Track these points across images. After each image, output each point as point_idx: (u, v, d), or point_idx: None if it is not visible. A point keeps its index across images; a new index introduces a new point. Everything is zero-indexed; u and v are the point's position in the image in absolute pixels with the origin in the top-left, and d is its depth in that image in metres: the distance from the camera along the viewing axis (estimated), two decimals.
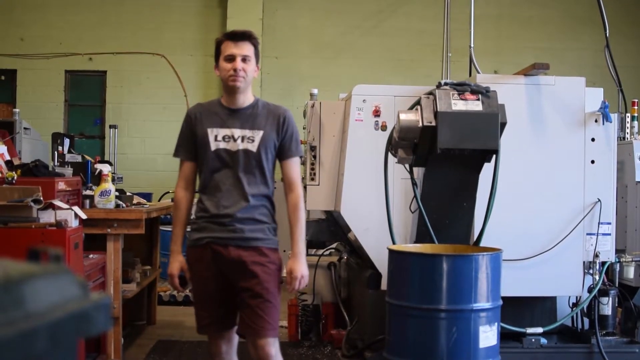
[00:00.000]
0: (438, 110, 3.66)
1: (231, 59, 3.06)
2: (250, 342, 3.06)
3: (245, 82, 3.08)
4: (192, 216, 3.26)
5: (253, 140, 3.07)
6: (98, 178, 4.75)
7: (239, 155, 3.06)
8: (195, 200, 3.25)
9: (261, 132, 3.08)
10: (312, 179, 5.21)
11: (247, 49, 3.09)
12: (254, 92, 3.25)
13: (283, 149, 3.13)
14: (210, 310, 3.14)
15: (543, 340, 4.39)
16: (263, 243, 3.08)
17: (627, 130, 5.55)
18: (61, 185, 4.06)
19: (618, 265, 4.58)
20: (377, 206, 4.57)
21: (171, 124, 9.31)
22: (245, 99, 3.12)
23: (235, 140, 3.07)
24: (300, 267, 3.08)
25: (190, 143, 3.14)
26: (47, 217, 3.73)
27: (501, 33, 9.38)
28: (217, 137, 3.08)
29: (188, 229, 3.31)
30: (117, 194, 4.77)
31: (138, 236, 5.09)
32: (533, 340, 4.36)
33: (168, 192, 8.55)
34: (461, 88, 3.74)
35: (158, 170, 8.85)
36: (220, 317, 3.13)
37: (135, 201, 5.21)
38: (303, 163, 5.50)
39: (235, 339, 3.20)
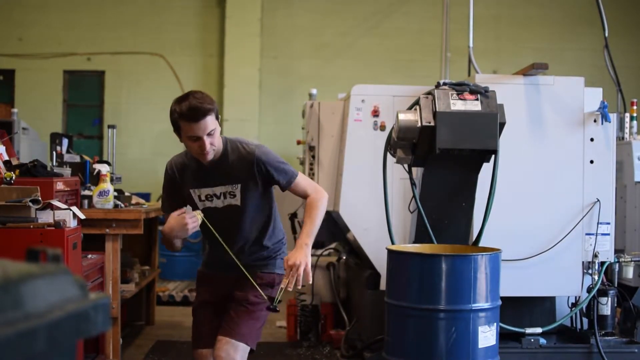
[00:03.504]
0: (437, 110, 3.66)
1: (196, 139, 2.93)
2: (216, 341, 3.05)
3: (215, 151, 3.00)
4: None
5: (235, 195, 3.07)
6: (97, 178, 4.75)
7: (228, 211, 3.08)
8: None
9: (239, 185, 3.05)
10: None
11: (209, 123, 2.91)
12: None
13: (277, 183, 3.10)
14: (197, 325, 3.23)
15: (542, 341, 4.39)
16: (257, 269, 3.16)
17: (626, 130, 5.56)
18: (60, 186, 4.05)
19: (617, 265, 4.58)
20: (376, 206, 4.57)
21: (170, 124, 9.30)
22: (216, 154, 3.04)
23: (218, 197, 3.08)
24: (296, 255, 2.93)
25: (176, 196, 3.14)
26: (46, 217, 3.73)
27: (500, 33, 9.38)
28: (201, 197, 3.11)
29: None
30: (115, 194, 4.77)
31: (137, 236, 5.09)
32: (532, 340, 4.36)
33: None
34: (460, 88, 3.74)
35: (157, 170, 8.84)
36: (205, 334, 3.17)
37: (133, 201, 5.21)
38: (302, 163, 5.50)
39: None
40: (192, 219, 2.93)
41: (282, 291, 2.98)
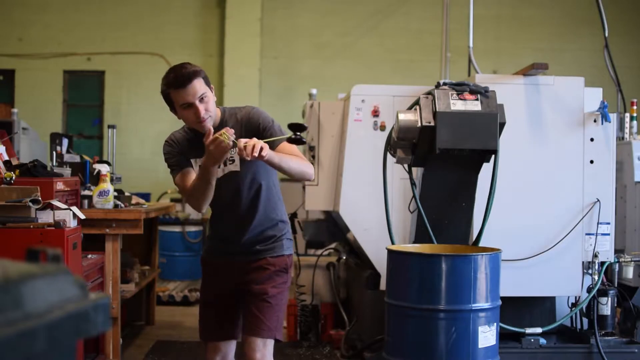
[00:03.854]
0: (437, 110, 3.66)
1: (189, 106, 2.87)
2: (243, 340, 3.03)
3: (212, 118, 2.93)
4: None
5: (234, 160, 3.01)
6: (96, 178, 4.75)
7: (229, 179, 3.01)
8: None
9: (236, 149, 2.91)
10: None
11: (198, 86, 2.86)
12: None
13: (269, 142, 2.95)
14: (208, 317, 3.17)
15: (542, 341, 4.39)
16: (267, 254, 3.08)
17: (626, 130, 5.55)
18: (60, 186, 4.05)
19: (617, 265, 4.58)
20: (376, 206, 4.57)
21: (170, 124, 9.30)
22: (214, 123, 2.96)
23: (218, 166, 2.98)
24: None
25: (183, 159, 3.04)
26: (46, 217, 3.73)
27: (500, 33, 9.38)
28: None
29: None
30: (115, 194, 4.77)
31: (137, 236, 5.09)
32: (532, 340, 4.36)
33: (166, 193, 8.56)
34: (460, 88, 3.74)
35: (157, 170, 8.84)
36: (218, 327, 3.13)
37: (133, 201, 5.21)
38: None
39: (231, 355, 3.17)
40: (215, 139, 2.74)
41: (233, 144, 2.73)
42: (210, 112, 2.91)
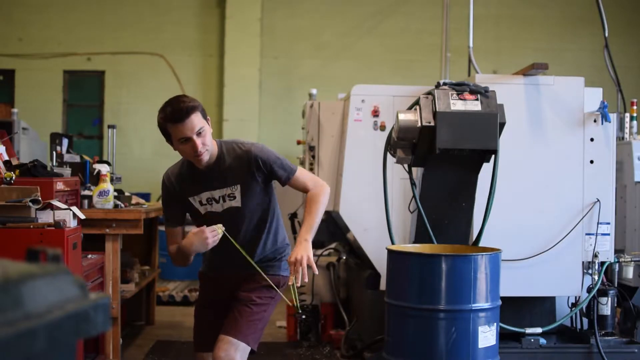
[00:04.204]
0: (437, 110, 3.66)
1: (186, 140, 2.89)
2: (217, 340, 3.03)
3: (209, 151, 2.95)
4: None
5: (234, 197, 3.04)
6: (97, 178, 4.75)
7: (228, 215, 3.05)
8: None
9: (238, 186, 3.02)
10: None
11: (195, 121, 2.87)
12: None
13: (277, 179, 3.06)
14: (199, 327, 3.23)
15: (542, 341, 4.39)
16: (264, 272, 3.12)
17: (626, 130, 5.55)
18: (60, 186, 4.05)
19: (617, 265, 4.58)
20: (376, 206, 4.57)
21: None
22: (211, 157, 3.00)
23: (217, 202, 3.05)
24: (297, 250, 2.92)
25: (177, 207, 3.12)
26: (46, 217, 3.73)
27: (500, 33, 9.38)
28: (202, 202, 3.08)
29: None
30: (115, 194, 4.77)
31: (137, 236, 5.09)
32: (532, 340, 4.36)
33: None
34: (460, 88, 3.74)
35: (157, 170, 8.82)
36: (207, 337, 3.16)
37: (133, 201, 5.20)
38: (302, 163, 5.50)
39: None
40: (212, 233, 2.92)
41: (294, 290, 2.96)
42: (207, 145, 2.93)
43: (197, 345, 3.22)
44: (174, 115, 2.86)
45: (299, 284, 2.89)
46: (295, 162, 5.86)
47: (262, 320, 3.07)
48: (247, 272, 3.10)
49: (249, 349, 3.02)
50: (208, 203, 3.07)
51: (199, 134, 2.89)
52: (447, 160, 3.81)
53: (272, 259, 3.17)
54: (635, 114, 5.56)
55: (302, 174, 3.09)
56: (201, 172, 3.02)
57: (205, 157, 2.94)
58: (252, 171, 3.01)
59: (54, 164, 4.76)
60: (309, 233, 2.99)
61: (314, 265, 2.97)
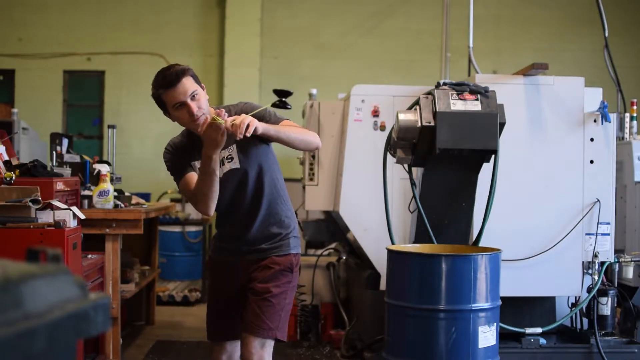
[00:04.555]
0: (437, 110, 3.66)
1: (181, 105, 2.84)
2: (241, 338, 2.98)
3: (205, 116, 2.87)
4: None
5: (232, 158, 2.98)
6: (97, 178, 4.75)
7: (230, 177, 2.98)
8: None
9: (234, 146, 2.94)
10: (311, 179, 5.22)
11: (188, 85, 2.83)
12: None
13: (255, 114, 2.90)
14: (214, 317, 3.15)
15: (542, 341, 4.39)
16: (272, 252, 3.04)
17: (626, 130, 5.55)
18: (60, 186, 4.05)
19: (617, 265, 4.58)
20: (376, 206, 4.58)
21: (170, 124, 9.29)
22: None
23: (219, 165, 2.94)
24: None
25: (184, 164, 3.01)
26: (46, 217, 3.73)
27: (500, 33, 9.37)
28: None
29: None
30: (115, 194, 4.77)
31: (137, 236, 5.09)
32: (532, 340, 4.36)
33: (166, 193, 8.56)
34: (460, 88, 3.74)
35: (157, 170, 8.84)
36: (223, 327, 3.12)
37: (133, 201, 5.21)
38: (302, 163, 5.50)
39: (237, 354, 3.13)
40: (210, 123, 2.75)
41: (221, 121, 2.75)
42: (203, 109, 2.86)
43: (210, 334, 3.16)
44: (165, 81, 2.82)
45: (222, 122, 2.70)
46: (295, 162, 5.87)
47: (284, 309, 2.99)
48: (257, 256, 3.02)
49: (273, 342, 2.96)
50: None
51: (192, 97, 2.84)
52: (447, 160, 3.81)
53: (279, 236, 3.04)
54: (635, 114, 5.55)
55: (293, 123, 2.97)
56: (199, 138, 2.90)
57: (204, 120, 2.85)
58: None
59: (54, 164, 4.76)
60: (273, 128, 2.82)
61: (247, 123, 2.70)
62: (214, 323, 3.15)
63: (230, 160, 2.99)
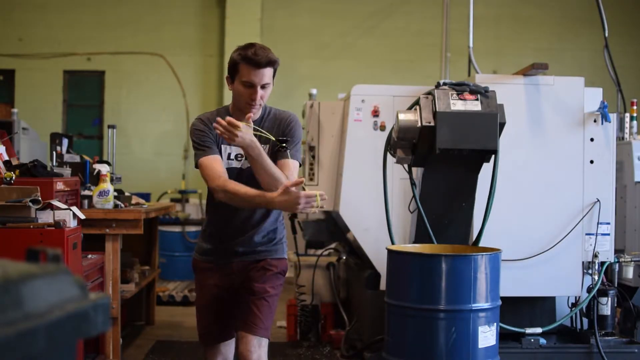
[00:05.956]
0: (437, 110, 3.66)
1: (250, 86, 2.89)
2: (237, 336, 2.99)
3: (260, 108, 2.97)
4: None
5: (243, 157, 2.98)
6: (96, 178, 4.75)
7: (248, 173, 2.96)
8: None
9: (267, 147, 2.96)
10: (311, 179, 5.22)
11: (267, 74, 2.89)
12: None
13: (282, 151, 2.97)
14: (208, 320, 3.14)
15: (542, 341, 4.39)
16: (268, 255, 3.07)
17: (626, 130, 5.55)
18: (60, 186, 4.05)
19: (617, 265, 4.58)
20: (376, 206, 4.58)
21: (170, 124, 9.31)
22: (256, 113, 2.99)
23: (246, 158, 2.93)
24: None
25: (214, 141, 2.97)
26: (46, 217, 3.73)
27: (500, 33, 9.38)
28: (230, 156, 3.00)
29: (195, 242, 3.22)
30: (115, 194, 4.77)
31: (137, 236, 5.09)
32: (532, 340, 4.36)
33: (166, 193, 8.56)
34: (460, 88, 3.74)
35: (157, 170, 8.84)
36: (218, 329, 3.12)
37: (133, 201, 5.20)
38: (302, 163, 5.50)
39: (231, 355, 3.14)
40: (307, 200, 2.70)
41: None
42: (262, 101, 2.94)
43: (204, 338, 3.15)
44: (254, 58, 2.86)
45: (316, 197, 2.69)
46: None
47: (274, 312, 3.06)
48: (254, 257, 3.04)
49: (268, 342, 3.00)
50: (236, 159, 2.99)
51: (263, 87, 2.90)
52: (447, 160, 3.81)
53: (274, 239, 3.08)
54: (635, 114, 5.56)
55: (295, 170, 2.98)
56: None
57: (255, 110, 2.94)
58: (281, 134, 2.97)
59: (54, 164, 4.76)
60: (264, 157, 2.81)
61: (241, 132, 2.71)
62: (208, 326, 3.13)
63: (241, 158, 3.00)
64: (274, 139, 2.93)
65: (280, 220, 3.15)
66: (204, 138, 2.97)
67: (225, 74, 3.09)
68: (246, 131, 2.75)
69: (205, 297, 3.15)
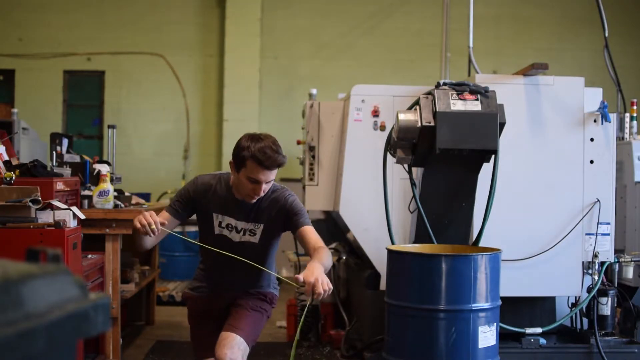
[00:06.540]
0: (437, 110, 3.66)
1: (255, 182, 2.97)
2: (220, 339, 3.08)
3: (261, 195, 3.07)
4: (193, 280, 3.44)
5: (254, 234, 3.14)
6: (96, 178, 4.74)
7: (241, 246, 3.14)
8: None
9: (262, 225, 3.12)
10: (311, 180, 5.21)
11: (273, 174, 3.00)
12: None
13: (294, 225, 3.09)
14: (203, 339, 3.28)
15: (542, 341, 4.39)
16: (257, 289, 3.29)
17: (626, 130, 5.56)
18: (60, 186, 4.05)
19: (617, 265, 4.58)
20: (376, 206, 4.57)
21: (170, 124, 9.31)
22: None
23: (238, 232, 3.13)
24: (314, 270, 2.73)
25: (187, 211, 3.16)
26: (46, 217, 3.73)
27: (500, 33, 9.38)
28: (222, 224, 3.15)
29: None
30: (115, 194, 4.77)
31: None
32: (532, 340, 4.36)
33: (166, 193, 8.56)
34: (460, 88, 3.74)
35: (157, 170, 8.84)
36: (213, 344, 3.17)
37: (133, 201, 5.20)
38: (302, 163, 5.50)
39: None
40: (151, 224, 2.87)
41: (306, 309, 2.92)
42: (264, 193, 3.04)
43: (199, 354, 3.26)
44: (265, 160, 2.90)
45: (316, 299, 2.74)
46: (295, 162, 5.87)
47: (259, 322, 3.20)
48: (242, 290, 3.26)
49: (248, 349, 3.06)
50: (227, 228, 3.15)
51: (267, 181, 2.98)
52: (447, 160, 3.81)
53: (264, 284, 3.32)
54: (635, 114, 5.56)
55: (314, 232, 3.07)
56: (235, 199, 3.10)
57: (254, 201, 3.05)
58: (279, 217, 3.10)
59: (54, 164, 4.76)
60: (321, 262, 2.83)
61: (327, 283, 2.72)
62: (203, 342, 3.25)
63: (252, 234, 3.15)
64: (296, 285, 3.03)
65: (274, 270, 3.33)
66: (182, 199, 3.16)
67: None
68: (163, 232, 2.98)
69: (198, 320, 3.32)
